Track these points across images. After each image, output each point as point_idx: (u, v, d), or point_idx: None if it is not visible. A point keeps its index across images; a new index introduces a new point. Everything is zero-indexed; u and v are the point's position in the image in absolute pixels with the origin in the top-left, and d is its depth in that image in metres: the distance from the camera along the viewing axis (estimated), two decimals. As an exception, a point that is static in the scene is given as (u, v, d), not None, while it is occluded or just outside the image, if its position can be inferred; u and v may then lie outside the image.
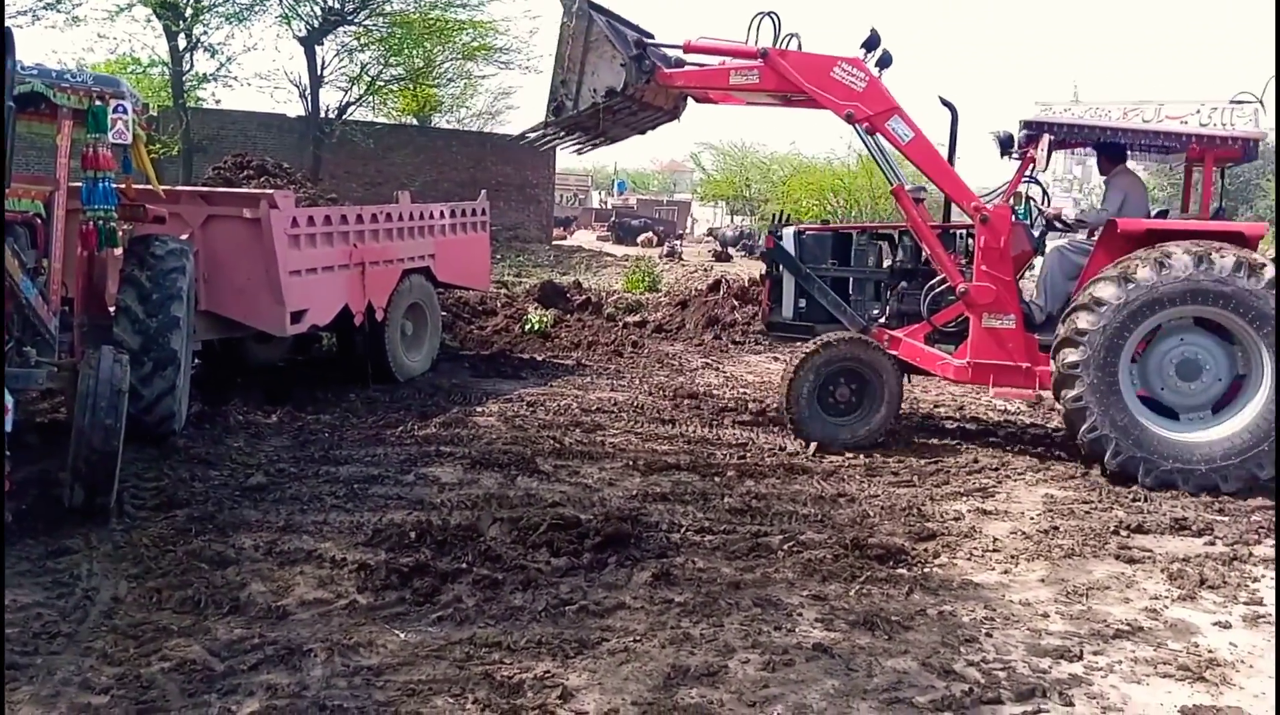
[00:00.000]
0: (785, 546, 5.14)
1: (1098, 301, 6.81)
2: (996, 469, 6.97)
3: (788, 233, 8.60)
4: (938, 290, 7.84)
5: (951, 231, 8.20)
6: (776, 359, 11.71)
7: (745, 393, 9.38)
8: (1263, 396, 6.65)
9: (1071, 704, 3.66)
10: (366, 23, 24.84)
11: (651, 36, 8.35)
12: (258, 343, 8.80)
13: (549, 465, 6.43)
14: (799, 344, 8.29)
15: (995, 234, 7.47)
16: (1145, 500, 6.32)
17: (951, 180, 7.80)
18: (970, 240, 7.87)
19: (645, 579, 4.63)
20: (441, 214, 9.75)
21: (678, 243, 32.50)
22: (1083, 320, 6.83)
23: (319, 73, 25.19)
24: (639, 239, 36.51)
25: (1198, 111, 6.93)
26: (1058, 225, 8.50)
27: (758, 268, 25.39)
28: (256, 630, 3.96)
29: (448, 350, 10.30)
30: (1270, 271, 6.58)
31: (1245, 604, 4.72)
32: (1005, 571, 5.03)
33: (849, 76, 7.66)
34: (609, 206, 52.20)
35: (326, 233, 7.98)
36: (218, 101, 24.48)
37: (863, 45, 7.80)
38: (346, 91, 27.30)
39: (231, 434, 6.87)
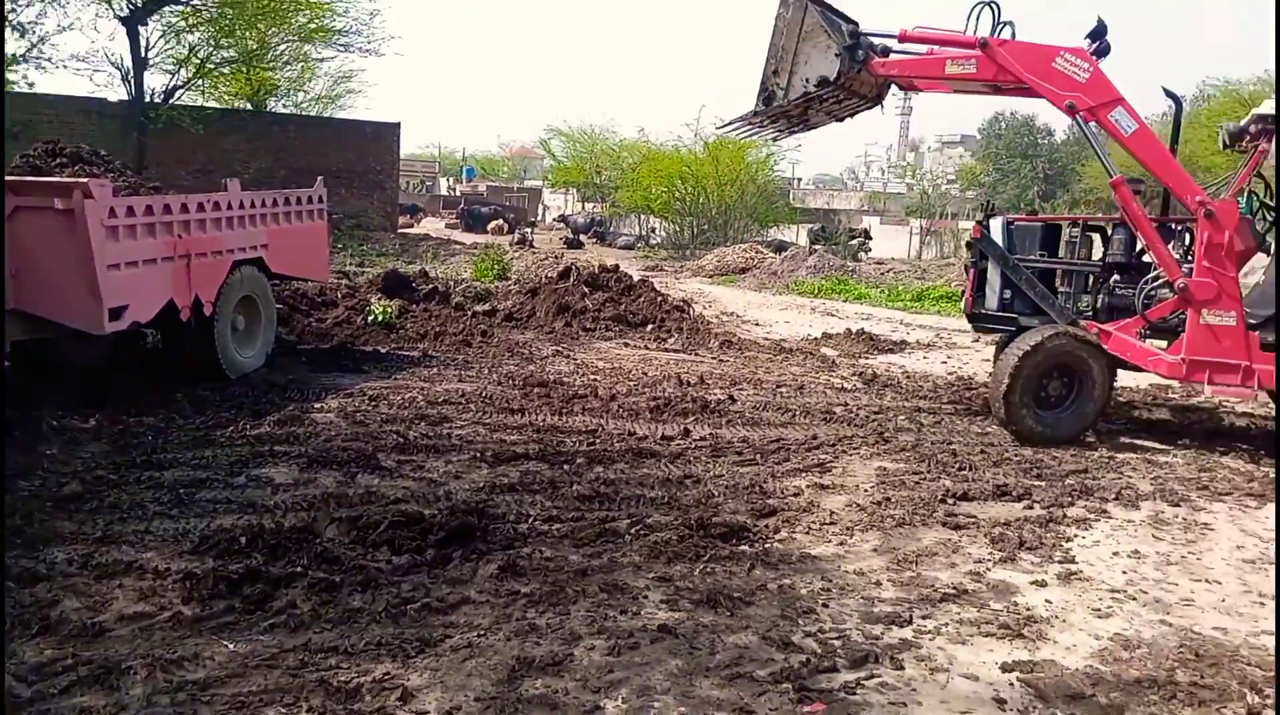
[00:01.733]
0: (632, 531, 5.18)
1: None
2: (834, 445, 7.21)
3: (995, 223, 8.56)
4: (1153, 284, 7.79)
5: (1169, 225, 8.05)
6: (627, 345, 11.80)
7: (596, 380, 9.39)
8: None
9: (902, 667, 3.82)
10: (195, 2, 23.56)
11: (858, 25, 8.31)
12: (75, 342, 8.23)
13: (391, 461, 6.27)
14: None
15: (1219, 229, 7.37)
16: (970, 469, 6.66)
17: (1175, 173, 7.70)
18: (1188, 234, 7.81)
19: (491, 572, 4.58)
20: (274, 202, 9.33)
21: (529, 230, 32.29)
22: None
23: (143, 55, 23.77)
24: (489, 227, 36.11)
25: None
26: None
27: (611, 255, 25.60)
28: (69, 650, 3.71)
29: (284, 345, 9.90)
30: None
31: (1060, 562, 5.04)
32: (841, 543, 5.21)
33: (1072, 67, 7.64)
34: (458, 193, 51.41)
35: (148, 223, 7.51)
36: (30, 85, 22.81)
37: (1088, 35, 7.80)
38: (174, 74, 25.88)
39: (44, 441, 6.40)
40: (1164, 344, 7.76)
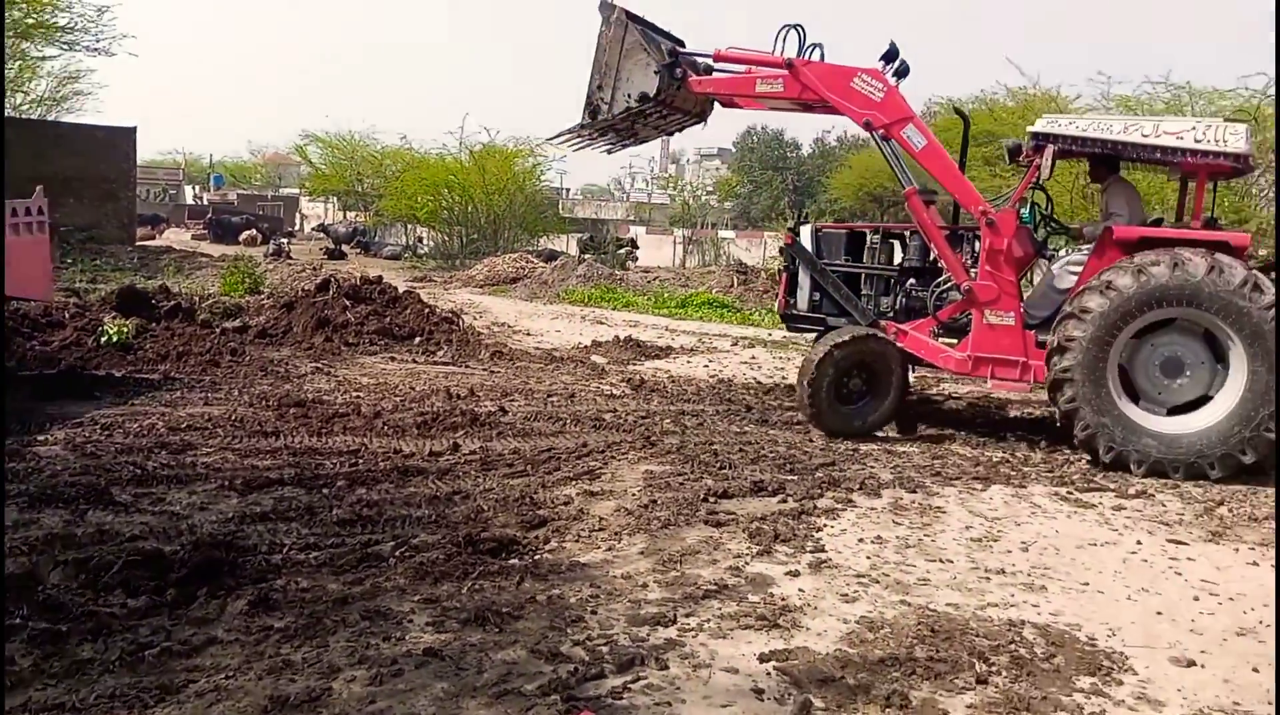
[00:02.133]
0: (397, 553, 5.02)
1: (1084, 310, 7.42)
2: (603, 451, 7.31)
3: (805, 230, 9.14)
4: (943, 288, 8.37)
5: (959, 233, 8.59)
6: (394, 359, 11.48)
7: (359, 396, 9.06)
8: (1239, 388, 7.18)
9: (667, 667, 3.90)
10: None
11: (683, 44, 8.79)
12: None
13: (127, 495, 5.77)
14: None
15: (999, 237, 7.97)
16: (730, 467, 6.94)
17: (961, 186, 8.28)
18: (977, 242, 8.31)
19: (240, 608, 4.29)
20: (-19, 215, 8.39)
21: (285, 241, 30.81)
22: (1072, 328, 7.44)
23: None
24: (241, 237, 34.20)
25: (1193, 128, 7.31)
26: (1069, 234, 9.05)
27: (376, 266, 24.80)
28: None
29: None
30: (1240, 271, 7.11)
31: (811, 552, 5.33)
32: (610, 548, 5.28)
33: (868, 87, 8.22)
34: (205, 202, 48.25)
35: None
36: None
37: (882, 57, 8.37)
38: None
39: None
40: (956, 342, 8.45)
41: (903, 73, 8.58)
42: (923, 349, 8.47)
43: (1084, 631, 4.42)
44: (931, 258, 8.71)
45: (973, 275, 8.22)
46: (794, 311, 9.29)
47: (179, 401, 8.47)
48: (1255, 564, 5.47)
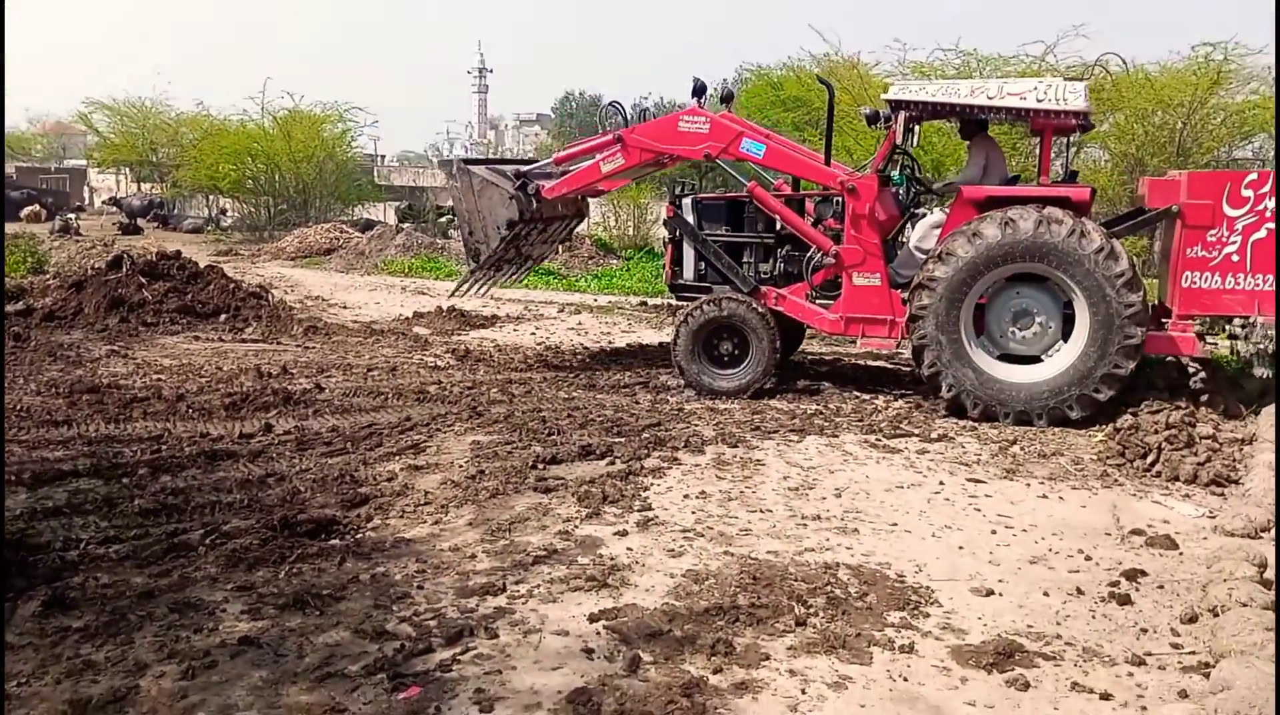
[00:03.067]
0: (207, 541, 4.77)
1: (931, 278, 7.70)
2: (428, 424, 7.16)
3: (686, 202, 9.34)
4: (818, 254, 8.60)
5: (833, 197, 8.77)
6: (197, 339, 10.85)
7: (160, 379, 8.52)
8: (1079, 343, 7.39)
9: (496, 635, 3.88)
10: None
11: (528, 162, 9.80)
12: None
13: (-107, 497, 5.23)
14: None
15: (861, 202, 8.28)
16: (559, 433, 6.94)
17: (812, 170, 8.74)
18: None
19: (33, 610, 3.98)
20: None
21: (72, 216, 28.50)
22: (924, 297, 7.70)
23: None
24: (22, 214, 31.41)
25: (1035, 88, 7.41)
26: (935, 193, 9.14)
27: (176, 240, 23.30)
28: None
29: None
30: (1067, 223, 7.32)
31: (639, 511, 5.42)
32: (436, 522, 5.19)
33: (693, 124, 8.77)
34: (-23, 176, 44.02)
35: None
36: None
37: (693, 94, 9.09)
38: None
39: None
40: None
41: (729, 98, 9.52)
42: (799, 312, 8.78)
43: (893, 569, 4.69)
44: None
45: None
46: (680, 281, 9.53)
47: (-48, 393, 7.72)
48: (1045, 497, 5.94)
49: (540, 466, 6.15)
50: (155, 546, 4.68)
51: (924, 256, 8.32)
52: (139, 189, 39.62)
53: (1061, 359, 7.63)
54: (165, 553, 4.62)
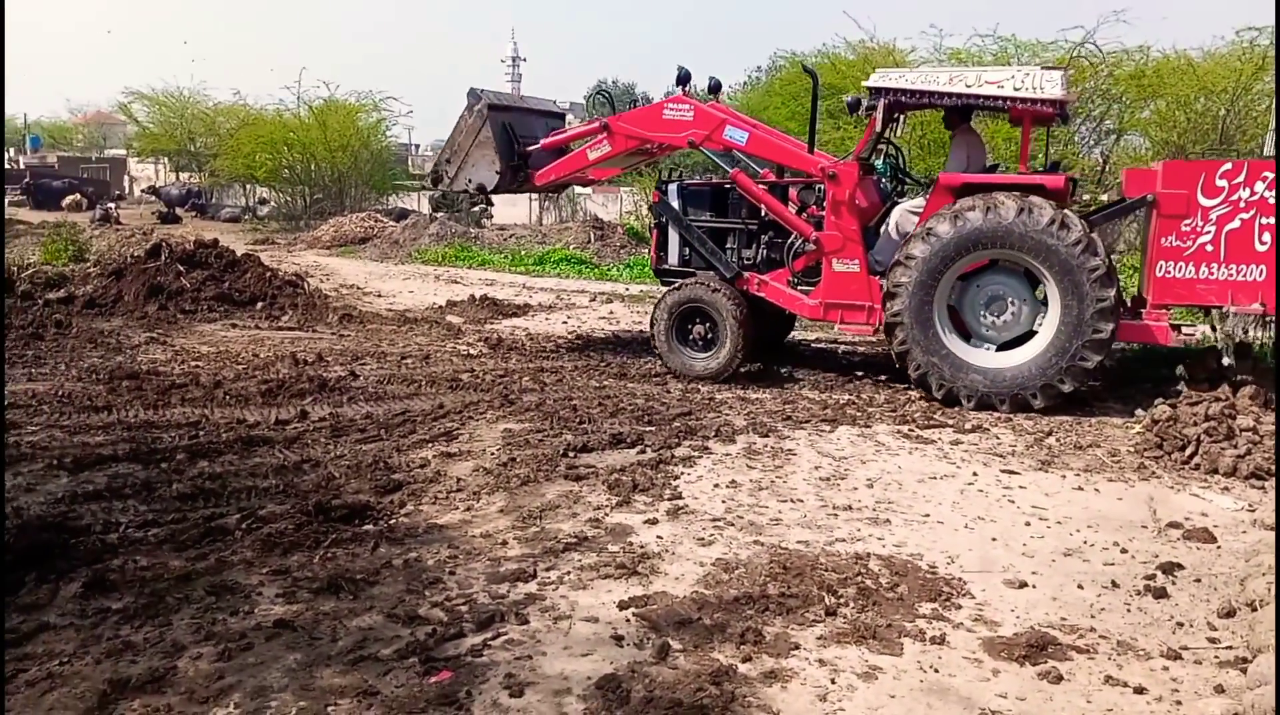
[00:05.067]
0: (243, 525, 4.84)
1: (909, 257, 7.75)
2: (460, 412, 7.21)
3: (672, 188, 9.42)
4: (799, 241, 8.67)
5: (815, 185, 8.75)
6: (234, 326, 10.99)
7: (198, 366, 8.64)
8: (1055, 323, 7.47)
9: (527, 621, 3.91)
10: None
11: (561, 118, 10.06)
12: None
13: (-59, 479, 5.35)
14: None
15: (841, 188, 8.33)
16: (590, 422, 6.96)
17: (793, 157, 8.77)
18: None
19: (75, 591, 4.06)
20: None
21: (113, 205, 28.94)
22: (899, 275, 7.79)
23: None
24: (64, 203, 32.01)
25: (1012, 77, 7.51)
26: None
27: (214, 229, 23.58)
28: None
29: None
30: (1048, 212, 7.37)
31: (669, 500, 5.42)
32: (468, 509, 5.23)
33: (677, 112, 8.87)
34: (21, 166, 44.80)
35: None
36: None
37: (678, 83, 9.12)
38: None
39: None
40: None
41: (716, 88, 9.50)
42: (780, 297, 8.86)
43: (925, 560, 4.66)
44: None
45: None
46: (665, 266, 9.63)
47: (-3, 378, 7.88)
48: (1080, 489, 5.87)
49: (571, 454, 6.17)
50: (193, 530, 4.75)
51: (899, 241, 8.36)
52: (177, 178, 40.11)
53: (1030, 347, 7.65)
54: (202, 537, 4.69)
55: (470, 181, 9.42)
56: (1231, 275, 7.38)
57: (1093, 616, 4.12)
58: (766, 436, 6.79)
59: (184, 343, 9.81)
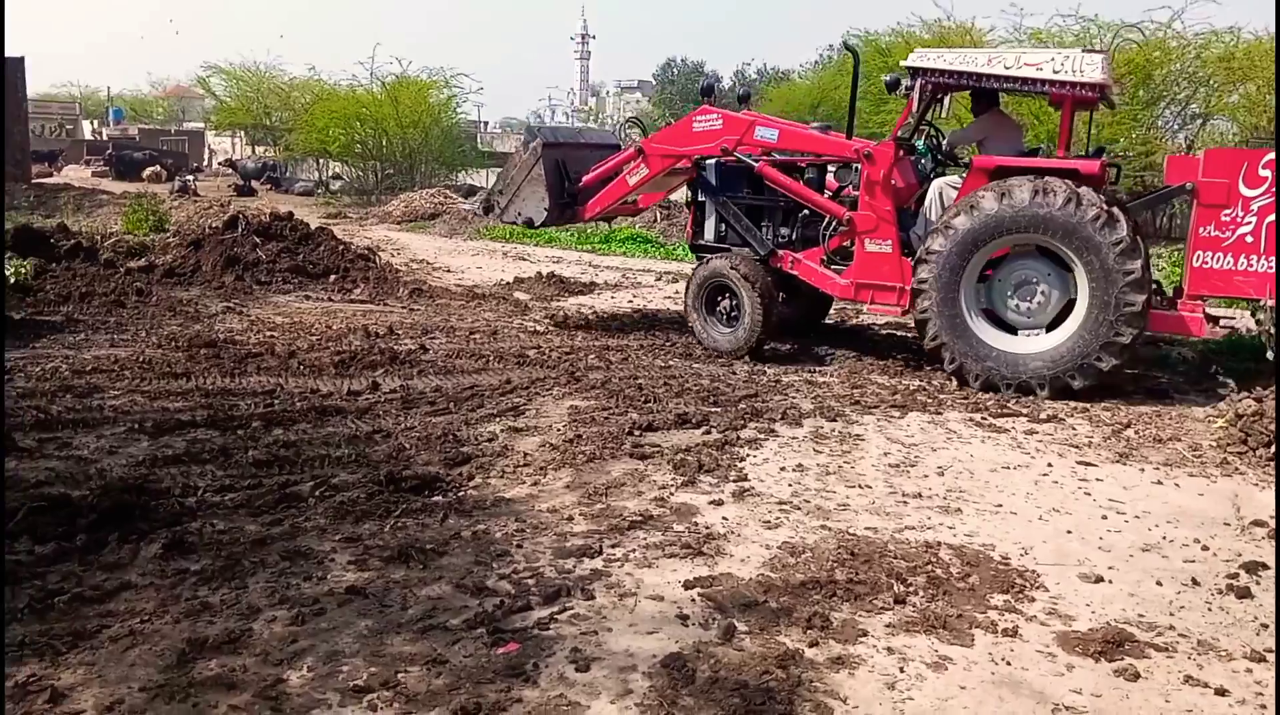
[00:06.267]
0: (316, 493, 4.93)
1: (930, 251, 7.77)
2: (527, 387, 7.25)
3: (709, 163, 9.30)
4: (835, 219, 8.68)
5: (853, 166, 8.82)
6: (308, 298, 11.19)
7: (273, 336, 8.82)
8: (1079, 315, 7.39)
9: (593, 597, 3.92)
10: None
11: (619, 148, 10.15)
12: None
13: (31, 440, 5.53)
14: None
15: (876, 169, 8.30)
16: (655, 401, 6.95)
17: (825, 144, 8.79)
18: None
19: (155, 552, 4.18)
20: None
21: (191, 177, 29.63)
22: (934, 242, 7.78)
23: None
24: (144, 174, 32.86)
25: (1052, 59, 7.52)
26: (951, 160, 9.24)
27: (288, 202, 24.01)
28: None
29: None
30: (1062, 192, 7.29)
31: (734, 481, 5.39)
32: (535, 483, 5.26)
33: (706, 122, 9.06)
34: (104, 138, 46.13)
35: None
36: None
37: (702, 94, 9.63)
38: None
39: None
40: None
41: (746, 98, 9.79)
42: (812, 276, 8.87)
43: (998, 551, 4.57)
44: (824, 189, 9.03)
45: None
46: (701, 242, 9.67)
47: (83, 343, 8.14)
48: (1159, 483, 5.70)
49: (636, 433, 6.17)
50: (268, 496, 4.86)
51: (930, 223, 8.32)
52: (253, 152, 40.95)
53: (1064, 329, 7.51)
54: (277, 503, 4.79)
55: (520, 215, 9.73)
56: (1271, 268, 7.18)
57: (1172, 614, 4.00)
58: (834, 421, 6.71)
59: (259, 313, 10.02)
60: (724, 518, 4.85)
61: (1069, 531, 4.88)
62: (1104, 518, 5.10)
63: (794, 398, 7.30)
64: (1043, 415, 7.09)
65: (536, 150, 9.51)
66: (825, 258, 8.82)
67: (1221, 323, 7.94)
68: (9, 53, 27.98)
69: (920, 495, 5.32)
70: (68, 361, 7.41)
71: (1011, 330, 7.76)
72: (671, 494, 5.15)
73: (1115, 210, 7.29)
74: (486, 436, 6.03)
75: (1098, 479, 5.73)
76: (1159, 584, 4.29)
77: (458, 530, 4.54)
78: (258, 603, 3.76)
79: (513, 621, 3.68)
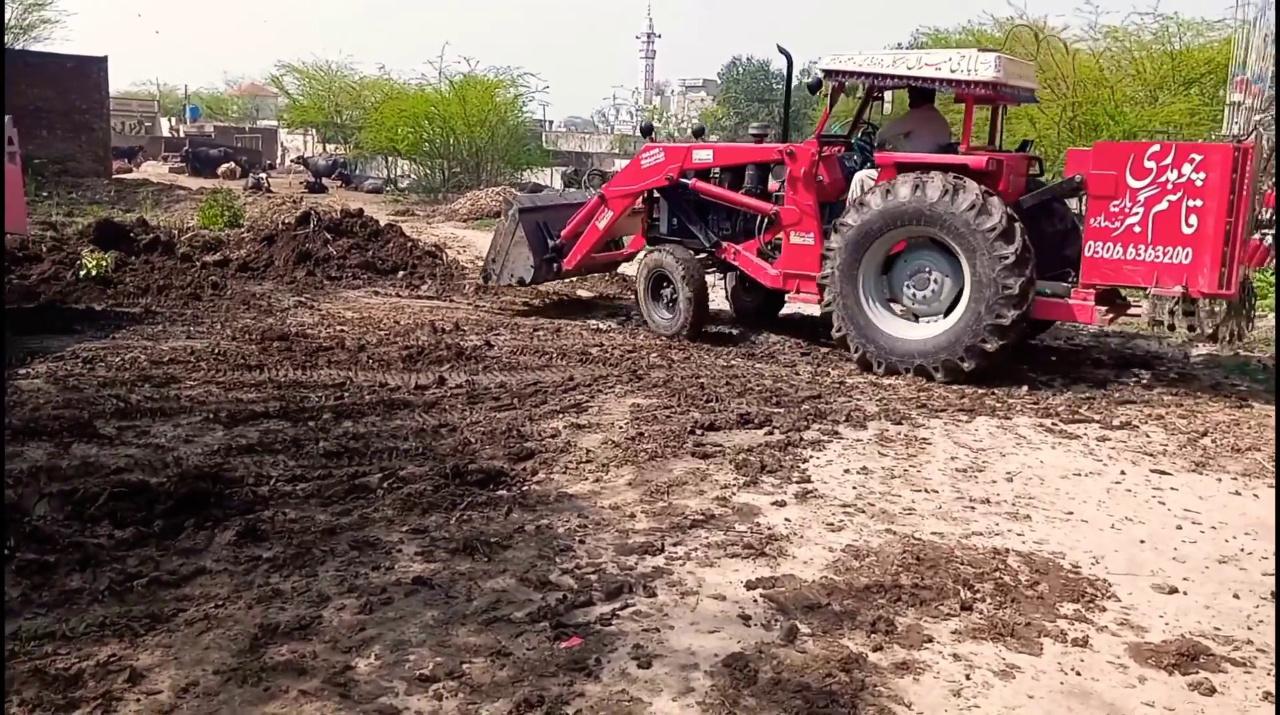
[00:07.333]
0: (384, 484, 5.02)
1: (830, 249, 8.32)
2: (590, 385, 7.29)
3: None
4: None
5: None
6: (377, 293, 11.39)
7: (343, 330, 8.99)
8: (965, 301, 7.73)
9: (655, 594, 3.93)
10: None
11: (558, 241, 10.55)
12: None
13: (111, 427, 5.73)
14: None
15: (798, 165, 8.84)
16: (717, 400, 6.93)
17: (753, 152, 9.49)
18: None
19: (229, 539, 4.29)
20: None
21: (263, 174, 30.31)
22: (833, 239, 8.31)
23: None
24: (219, 170, 33.68)
25: (949, 59, 8.04)
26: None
27: (357, 199, 24.47)
28: None
29: (-22, 306, 8.78)
30: (939, 184, 7.66)
31: (797, 482, 5.36)
32: (597, 480, 5.29)
33: (651, 158, 9.93)
34: (181, 135, 47.44)
35: None
36: None
37: (643, 133, 10.75)
38: None
39: None
40: None
41: (700, 133, 11.10)
42: (749, 266, 9.42)
43: (1068, 559, 4.48)
44: (762, 188, 9.56)
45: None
46: (656, 234, 10.30)
47: (160, 335, 8.39)
48: (1237, 494, 5.53)
49: (698, 432, 6.16)
50: (338, 487, 4.96)
51: None
52: (324, 149, 41.76)
53: (954, 315, 7.86)
54: (346, 493, 4.89)
55: (512, 275, 10.50)
56: (1158, 257, 7.33)
57: (1250, 628, 3.88)
58: (899, 424, 6.63)
59: (330, 307, 10.22)
60: (786, 519, 4.83)
61: (1142, 541, 4.76)
62: (1179, 528, 4.96)
63: (858, 400, 7.23)
64: (1116, 422, 6.92)
65: (515, 217, 10.40)
66: (759, 249, 9.35)
67: (1129, 312, 8.18)
68: (93, 52, 28.83)
69: (988, 501, 5.23)
70: (146, 352, 7.64)
71: (917, 318, 8.18)
72: (734, 494, 5.14)
73: (992, 200, 7.59)
74: (550, 432, 6.08)
75: (1172, 488, 5.58)
76: (1236, 597, 4.16)
77: (521, 524, 4.59)
78: (327, 591, 3.85)
79: (575, 616, 3.71)
